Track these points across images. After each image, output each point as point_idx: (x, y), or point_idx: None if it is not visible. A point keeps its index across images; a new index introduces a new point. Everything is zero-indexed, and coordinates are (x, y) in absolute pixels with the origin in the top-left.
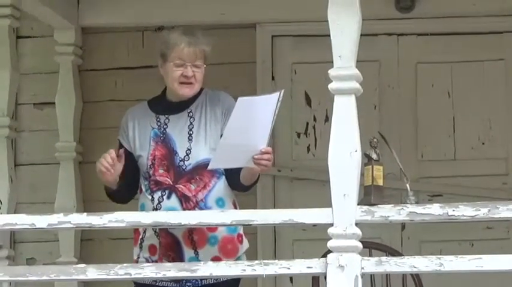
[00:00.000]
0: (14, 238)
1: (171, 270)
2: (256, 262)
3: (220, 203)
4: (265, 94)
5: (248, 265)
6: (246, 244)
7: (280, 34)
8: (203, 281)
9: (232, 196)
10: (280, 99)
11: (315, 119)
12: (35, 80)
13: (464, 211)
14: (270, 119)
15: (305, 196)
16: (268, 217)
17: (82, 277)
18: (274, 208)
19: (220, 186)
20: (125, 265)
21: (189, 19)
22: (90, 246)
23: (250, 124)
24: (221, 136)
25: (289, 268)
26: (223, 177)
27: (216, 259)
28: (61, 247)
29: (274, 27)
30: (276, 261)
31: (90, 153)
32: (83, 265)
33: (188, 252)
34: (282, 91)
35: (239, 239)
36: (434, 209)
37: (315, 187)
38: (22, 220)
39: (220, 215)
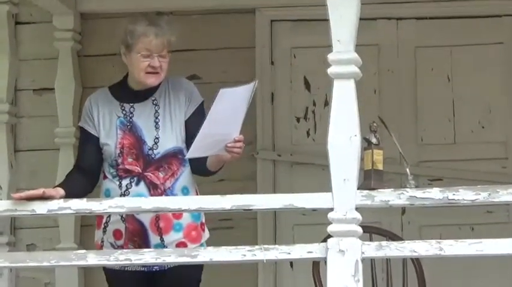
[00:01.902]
0: (14, 224)
1: (171, 255)
2: (257, 247)
3: (185, 191)
4: (241, 85)
5: (248, 250)
6: (207, 233)
7: (279, 19)
8: (168, 265)
9: (194, 184)
10: (254, 89)
11: (314, 104)
12: (34, 66)
13: (465, 195)
14: (244, 108)
15: (305, 181)
16: (268, 201)
17: (82, 262)
18: (274, 192)
19: (186, 174)
20: (125, 250)
21: (188, 4)
22: (90, 232)
23: (228, 114)
24: (186, 123)
25: (289, 253)
26: (188, 165)
27: (181, 244)
28: (61, 232)
29: (273, 12)
30: (277, 246)
31: None
32: (83, 251)
33: (154, 238)
34: (256, 82)
35: (202, 228)
36: (435, 193)
37: (315, 172)
38: (22, 206)
39: (220, 200)
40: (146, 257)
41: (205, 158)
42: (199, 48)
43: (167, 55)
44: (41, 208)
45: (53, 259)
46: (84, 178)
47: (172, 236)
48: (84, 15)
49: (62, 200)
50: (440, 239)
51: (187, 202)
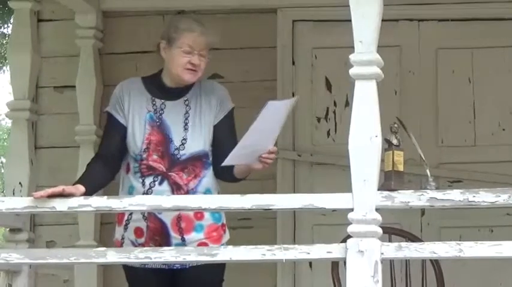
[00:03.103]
0: (34, 221)
1: (191, 254)
2: (276, 246)
3: (208, 193)
4: (285, 99)
5: (268, 250)
6: (227, 235)
7: (301, 19)
8: (190, 263)
9: (217, 188)
10: (294, 104)
11: (335, 104)
12: (56, 63)
13: (485, 197)
14: (282, 121)
15: (325, 181)
16: (288, 201)
17: (102, 260)
18: (294, 192)
19: (209, 177)
20: (145, 248)
21: (211, 3)
22: (110, 230)
23: (268, 126)
24: (214, 128)
25: (308, 253)
26: (211, 168)
27: (202, 243)
28: (81, 230)
29: (295, 12)
30: (296, 246)
31: None
32: (103, 248)
33: (175, 238)
34: (297, 97)
35: (223, 229)
36: (455, 195)
37: (335, 172)
38: (42, 203)
39: (240, 199)
40: (166, 255)
41: (232, 165)
42: (221, 48)
43: (207, 55)
44: (61, 205)
45: (73, 256)
46: (105, 167)
47: (193, 237)
48: (107, 13)
49: (82, 197)
50: (460, 241)
51: (208, 201)
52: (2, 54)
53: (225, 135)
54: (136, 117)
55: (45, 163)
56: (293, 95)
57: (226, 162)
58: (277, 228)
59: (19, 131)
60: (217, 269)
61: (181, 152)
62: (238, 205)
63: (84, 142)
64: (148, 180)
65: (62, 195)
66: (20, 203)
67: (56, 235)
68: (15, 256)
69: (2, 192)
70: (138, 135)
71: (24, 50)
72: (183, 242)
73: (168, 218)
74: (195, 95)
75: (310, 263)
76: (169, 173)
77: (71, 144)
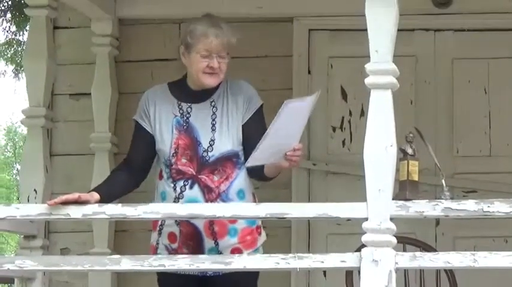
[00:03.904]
0: (48, 227)
1: (205, 262)
2: (290, 255)
3: (241, 194)
4: (305, 96)
5: (282, 259)
6: (263, 236)
7: (317, 28)
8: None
9: (251, 188)
10: (316, 99)
11: (350, 114)
12: (71, 70)
13: (500, 207)
14: (306, 118)
15: (340, 190)
16: (303, 210)
17: (116, 267)
18: (309, 201)
19: (241, 177)
20: (159, 256)
21: (226, 12)
22: (124, 237)
23: (290, 124)
24: (243, 127)
25: (323, 262)
26: (244, 168)
27: (235, 250)
28: (95, 237)
29: (311, 21)
30: (310, 255)
31: (125, 144)
32: (117, 256)
33: (208, 242)
34: (319, 92)
35: (258, 231)
36: (470, 205)
37: (350, 181)
38: (57, 210)
39: (254, 208)
40: (180, 263)
41: (262, 165)
42: (237, 56)
43: (227, 56)
44: (75, 212)
45: (87, 263)
46: (129, 174)
47: (227, 241)
48: (123, 20)
49: (96, 204)
50: (474, 251)
51: (222, 209)
52: (18, 61)
53: (255, 133)
54: (164, 123)
55: (60, 170)
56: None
57: (249, 163)
58: (291, 237)
59: (34, 138)
60: (252, 277)
61: (210, 154)
62: (252, 213)
63: (99, 150)
64: (179, 184)
65: (76, 202)
66: (34, 210)
67: (71, 242)
68: (29, 263)
69: (17, 199)
70: (166, 141)
71: (40, 57)
72: (217, 247)
73: (200, 223)
74: (222, 96)
75: (325, 272)
76: (199, 176)
77: (86, 151)
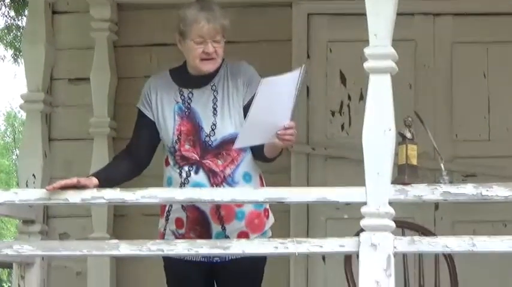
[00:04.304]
0: (47, 213)
1: (204, 247)
2: (289, 239)
3: (247, 177)
4: (288, 72)
5: (281, 243)
6: (271, 219)
7: (316, 12)
8: (230, 256)
9: (258, 170)
10: (302, 74)
11: (349, 98)
12: (70, 55)
13: (498, 191)
14: (293, 94)
15: (339, 175)
16: (302, 195)
17: (115, 252)
18: (308, 186)
19: (247, 160)
20: (157, 241)
21: None
22: (123, 222)
23: (274, 102)
24: (244, 109)
25: (321, 246)
26: (250, 151)
27: (242, 233)
28: (94, 222)
29: (310, 6)
30: (309, 239)
31: (124, 129)
32: (115, 241)
33: (216, 227)
34: (303, 66)
35: (265, 214)
36: (468, 189)
37: (349, 166)
38: (56, 195)
39: (253, 192)
40: (178, 248)
41: (262, 145)
42: (236, 41)
43: (221, 40)
44: (74, 197)
45: (85, 248)
46: (130, 161)
47: (234, 225)
48: (121, 5)
49: (95, 189)
50: (473, 235)
51: (220, 193)
52: (17, 46)
53: None
54: (166, 110)
55: (59, 155)
56: (307, 89)
57: (237, 144)
58: (290, 221)
59: (33, 123)
60: (260, 262)
61: (212, 138)
62: (251, 197)
63: (98, 135)
64: (185, 170)
65: (75, 187)
66: (33, 194)
67: (69, 227)
68: (27, 248)
69: (17, 184)
70: (169, 127)
71: (38, 42)
72: (224, 231)
73: (206, 207)
74: (222, 79)
75: (323, 257)
76: (203, 161)
77: (84, 136)
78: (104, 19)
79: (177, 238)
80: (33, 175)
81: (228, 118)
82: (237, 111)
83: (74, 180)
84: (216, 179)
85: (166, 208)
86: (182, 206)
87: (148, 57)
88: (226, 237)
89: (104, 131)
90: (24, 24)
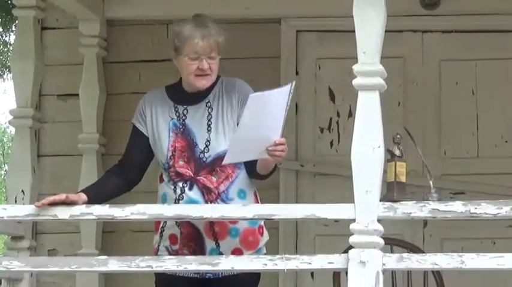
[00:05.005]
0: (36, 228)
1: (193, 263)
2: (278, 256)
3: (242, 194)
4: (276, 87)
5: (269, 260)
6: (266, 236)
7: (305, 29)
8: (223, 272)
9: (253, 187)
10: (292, 90)
11: (338, 115)
12: (59, 71)
13: (487, 209)
14: (283, 110)
15: (328, 191)
16: (291, 211)
17: (103, 268)
18: (297, 202)
19: (242, 177)
20: (146, 257)
21: (213, 13)
22: (112, 238)
23: (263, 118)
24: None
25: (310, 263)
26: (244, 168)
27: (236, 250)
28: (83, 238)
29: (299, 22)
30: (298, 256)
31: (113, 145)
32: (104, 257)
33: (209, 243)
34: (294, 82)
35: (260, 231)
36: (457, 207)
37: (338, 183)
38: (44, 211)
39: (242, 209)
40: (167, 264)
41: (255, 162)
42: (225, 57)
43: (216, 56)
44: (63, 213)
45: (74, 264)
46: (121, 177)
47: (228, 242)
48: (111, 21)
49: (84, 205)
50: (462, 252)
51: (209, 210)
52: (4, 62)
53: None
54: (161, 126)
55: (47, 170)
56: (296, 106)
57: (226, 160)
58: (279, 238)
59: (22, 138)
60: (254, 278)
61: (207, 155)
62: (240, 214)
63: (87, 150)
64: (179, 186)
65: (64, 203)
66: (22, 210)
67: (58, 243)
68: (16, 264)
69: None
70: (164, 143)
71: (27, 58)
72: (218, 248)
73: (200, 224)
74: (217, 96)
75: (312, 273)
76: (198, 177)
77: (73, 152)
78: (93, 35)
79: (170, 254)
80: (22, 190)
81: (222, 135)
82: (231, 128)
83: (62, 196)
84: (210, 195)
85: (161, 224)
86: (176, 222)
87: (137, 74)
88: (220, 254)
89: (92, 147)
90: (10, 40)
